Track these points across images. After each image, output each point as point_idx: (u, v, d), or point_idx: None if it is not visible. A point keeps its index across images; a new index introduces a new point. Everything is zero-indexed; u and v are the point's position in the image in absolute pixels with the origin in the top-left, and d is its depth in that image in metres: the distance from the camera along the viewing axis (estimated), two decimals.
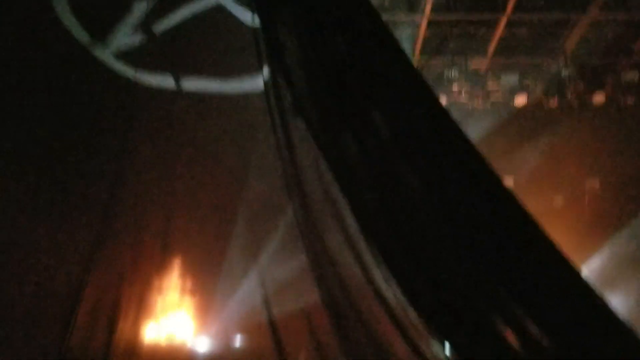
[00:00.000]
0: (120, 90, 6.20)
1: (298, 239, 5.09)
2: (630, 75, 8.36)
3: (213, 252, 5.99)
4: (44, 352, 5.30)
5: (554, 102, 8.49)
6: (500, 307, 4.73)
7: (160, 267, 5.93)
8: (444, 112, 5.27)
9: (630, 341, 4.33)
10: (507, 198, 4.98)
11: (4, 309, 5.44)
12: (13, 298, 5.51)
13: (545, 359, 4.50)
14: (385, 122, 4.94)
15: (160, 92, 6.30)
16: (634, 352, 4.29)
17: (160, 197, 6.01)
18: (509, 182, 7.24)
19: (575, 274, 4.74)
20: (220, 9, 6.37)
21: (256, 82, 6.14)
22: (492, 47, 8.34)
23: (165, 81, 6.32)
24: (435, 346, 4.94)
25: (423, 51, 8.31)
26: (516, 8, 7.75)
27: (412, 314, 4.91)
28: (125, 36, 6.30)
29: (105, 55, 6.18)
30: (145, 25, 6.27)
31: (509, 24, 8.02)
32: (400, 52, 4.77)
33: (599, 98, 8.37)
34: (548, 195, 8.08)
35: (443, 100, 8.15)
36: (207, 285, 5.92)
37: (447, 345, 4.86)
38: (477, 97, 8.56)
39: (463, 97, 8.53)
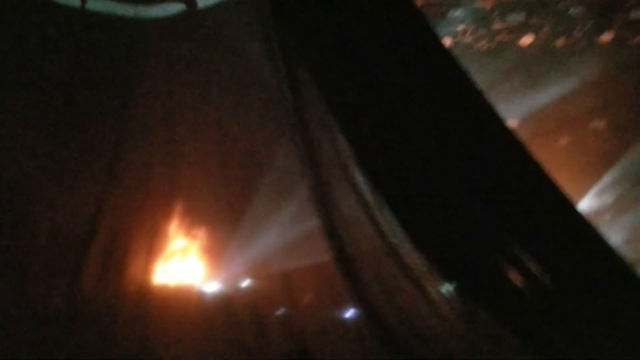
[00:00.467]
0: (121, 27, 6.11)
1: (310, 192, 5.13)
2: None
3: (225, 200, 6.02)
4: (58, 292, 5.44)
5: (561, 42, 8.38)
6: (503, 247, 4.82)
7: (168, 213, 6.00)
8: (446, 54, 5.24)
9: (629, 276, 4.43)
10: (511, 141, 4.99)
11: (19, 248, 5.56)
12: (27, 237, 5.62)
13: (546, 296, 4.61)
14: (386, 64, 4.90)
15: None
16: (632, 287, 4.39)
17: (166, 144, 6.02)
18: (513, 124, 7.21)
19: (576, 214, 4.80)
20: None
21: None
22: None
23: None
24: (443, 288, 5.04)
25: None
26: None
27: (420, 259, 4.99)
28: None
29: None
30: None
31: None
32: None
33: (606, 37, 8.25)
34: (553, 136, 8.06)
35: (447, 42, 8.04)
36: (217, 232, 5.99)
37: (454, 286, 4.97)
38: (482, 37, 8.45)
39: (468, 38, 8.43)
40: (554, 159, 6.80)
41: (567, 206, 4.76)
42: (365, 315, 5.06)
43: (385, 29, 4.79)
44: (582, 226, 4.67)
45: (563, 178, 4.81)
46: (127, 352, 5.22)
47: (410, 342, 4.95)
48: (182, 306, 5.64)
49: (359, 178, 4.90)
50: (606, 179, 7.90)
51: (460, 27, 8.35)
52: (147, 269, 5.75)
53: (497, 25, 8.49)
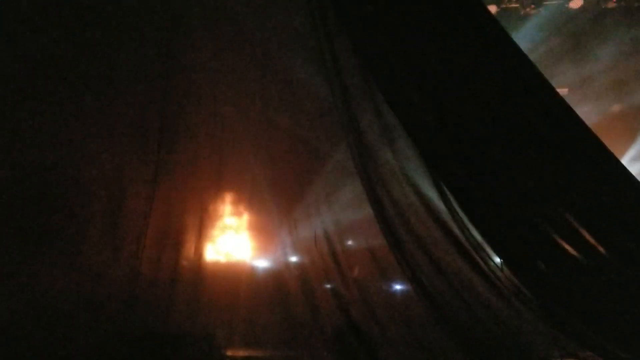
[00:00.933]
0: None
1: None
2: None
3: (277, 184, 6.02)
4: (117, 271, 5.58)
5: (612, 3, 8.11)
6: (554, 217, 4.76)
7: (217, 195, 6.07)
8: (492, 21, 5.14)
9: None
10: (561, 107, 4.89)
11: (79, 223, 5.70)
12: (85, 214, 5.75)
13: (600, 264, 4.55)
14: (433, 38, 4.85)
15: None
16: None
17: (212, 126, 6.03)
18: (562, 92, 7.03)
19: (632, 182, 4.69)
20: None
21: None
22: None
23: None
24: (493, 261, 5.02)
25: None
26: None
27: (468, 232, 4.98)
28: None
29: None
30: None
31: None
32: None
33: None
34: (605, 103, 7.84)
35: (493, 8, 7.86)
36: (269, 214, 6.02)
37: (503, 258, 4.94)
38: (529, 1, 8.25)
39: (515, 2, 8.24)
40: (606, 126, 6.66)
41: (623, 175, 4.68)
42: (415, 288, 5.10)
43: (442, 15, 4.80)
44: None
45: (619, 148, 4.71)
46: (180, 327, 5.38)
47: (459, 314, 4.97)
48: (233, 281, 5.76)
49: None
50: None
51: None
52: (199, 247, 5.86)
53: None
